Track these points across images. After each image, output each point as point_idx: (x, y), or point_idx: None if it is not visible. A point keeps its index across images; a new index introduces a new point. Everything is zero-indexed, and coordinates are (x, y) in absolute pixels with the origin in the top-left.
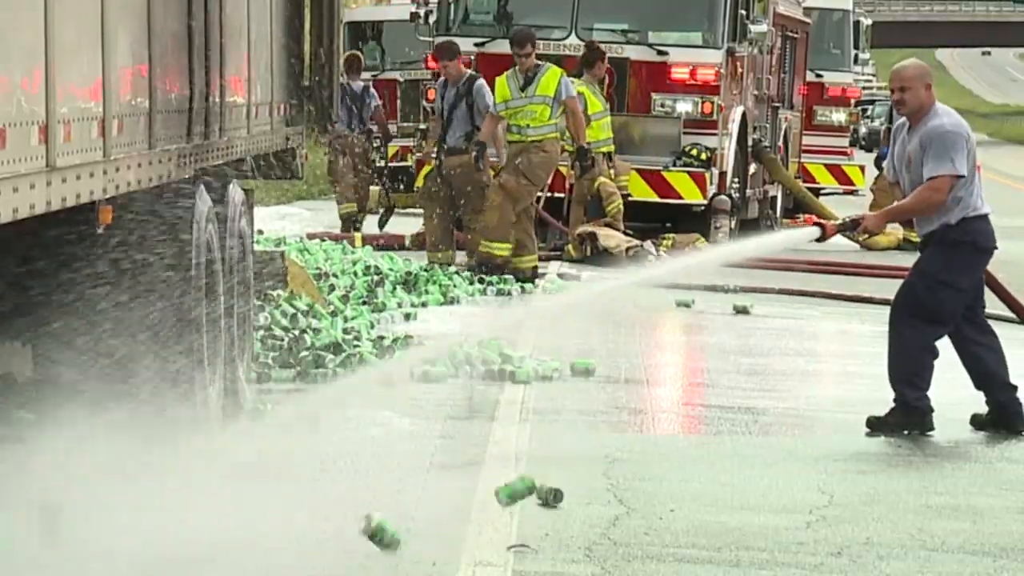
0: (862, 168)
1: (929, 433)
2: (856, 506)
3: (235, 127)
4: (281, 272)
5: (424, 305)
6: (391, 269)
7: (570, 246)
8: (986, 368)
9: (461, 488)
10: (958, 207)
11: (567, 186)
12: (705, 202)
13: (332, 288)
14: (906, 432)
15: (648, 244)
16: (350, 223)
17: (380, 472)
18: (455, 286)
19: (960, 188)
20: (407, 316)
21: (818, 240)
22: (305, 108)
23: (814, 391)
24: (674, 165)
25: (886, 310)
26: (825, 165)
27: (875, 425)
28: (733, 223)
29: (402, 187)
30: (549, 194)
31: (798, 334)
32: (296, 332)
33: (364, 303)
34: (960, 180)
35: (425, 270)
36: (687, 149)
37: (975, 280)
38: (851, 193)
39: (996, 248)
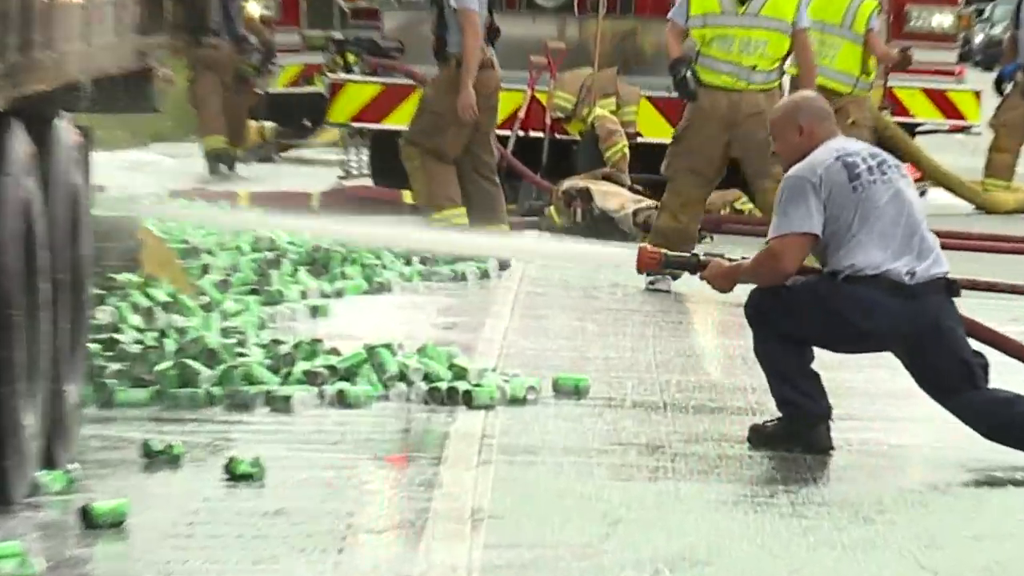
0: (977, 94)
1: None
2: None
3: (66, 38)
4: (132, 247)
5: (340, 295)
6: (291, 243)
7: (552, 208)
8: None
9: (395, 558)
10: (832, 263)
11: (547, 122)
12: None
13: (205, 270)
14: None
15: None
16: (217, 162)
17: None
18: (384, 267)
19: (833, 245)
20: (314, 311)
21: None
22: (167, 9)
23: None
24: None
25: None
26: (923, 90)
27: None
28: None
29: (310, 124)
30: (522, 133)
31: None
32: (153, 334)
33: (252, 292)
34: (811, 238)
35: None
36: None
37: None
38: (960, 131)
39: (874, 328)
